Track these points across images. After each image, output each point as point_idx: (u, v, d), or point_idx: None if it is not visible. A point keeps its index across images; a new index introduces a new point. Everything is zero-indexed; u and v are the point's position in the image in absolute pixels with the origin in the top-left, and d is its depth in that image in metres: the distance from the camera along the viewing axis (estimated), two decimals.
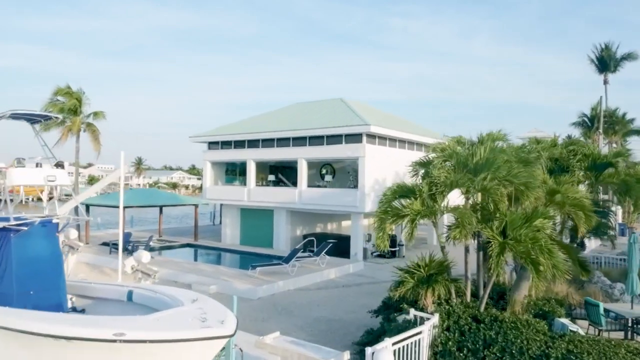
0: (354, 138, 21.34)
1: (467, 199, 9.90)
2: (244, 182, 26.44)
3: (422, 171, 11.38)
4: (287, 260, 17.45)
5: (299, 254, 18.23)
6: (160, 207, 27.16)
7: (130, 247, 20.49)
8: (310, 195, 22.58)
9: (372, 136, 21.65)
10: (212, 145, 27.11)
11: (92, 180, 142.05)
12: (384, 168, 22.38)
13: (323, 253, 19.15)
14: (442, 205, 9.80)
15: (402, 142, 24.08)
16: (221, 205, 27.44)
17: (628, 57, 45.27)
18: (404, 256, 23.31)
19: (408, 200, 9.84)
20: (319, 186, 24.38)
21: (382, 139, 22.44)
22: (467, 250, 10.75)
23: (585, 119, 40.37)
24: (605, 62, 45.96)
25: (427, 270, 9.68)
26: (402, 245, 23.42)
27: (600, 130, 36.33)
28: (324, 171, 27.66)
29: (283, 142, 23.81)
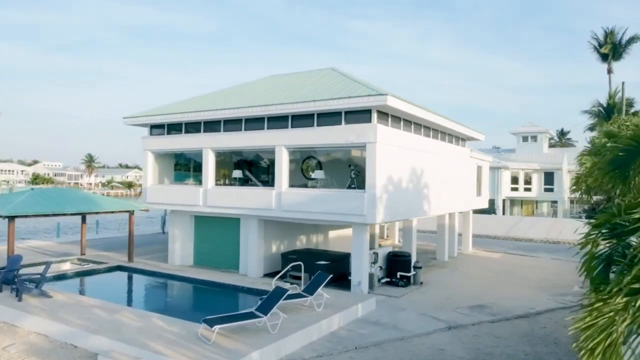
0: (360, 117, 14.71)
1: None
2: (199, 181, 19.40)
3: None
4: (264, 308, 10.56)
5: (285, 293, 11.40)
6: (83, 215, 19.69)
7: (15, 280, 13.10)
8: (294, 199, 15.79)
9: (384, 115, 15.09)
10: (156, 129, 19.87)
11: (36, 180, 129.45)
12: (399, 161, 15.87)
13: (320, 289, 12.41)
14: None
15: (418, 125, 17.65)
16: (167, 211, 20.22)
17: (636, 39, 40.78)
18: (421, 283, 16.91)
19: None
20: (306, 186, 17.63)
21: (397, 119, 15.93)
22: None
23: (601, 109, 35.25)
24: (610, 49, 41.37)
25: None
26: (420, 267, 16.97)
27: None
28: (306, 165, 20.95)
29: (254, 123, 16.92)
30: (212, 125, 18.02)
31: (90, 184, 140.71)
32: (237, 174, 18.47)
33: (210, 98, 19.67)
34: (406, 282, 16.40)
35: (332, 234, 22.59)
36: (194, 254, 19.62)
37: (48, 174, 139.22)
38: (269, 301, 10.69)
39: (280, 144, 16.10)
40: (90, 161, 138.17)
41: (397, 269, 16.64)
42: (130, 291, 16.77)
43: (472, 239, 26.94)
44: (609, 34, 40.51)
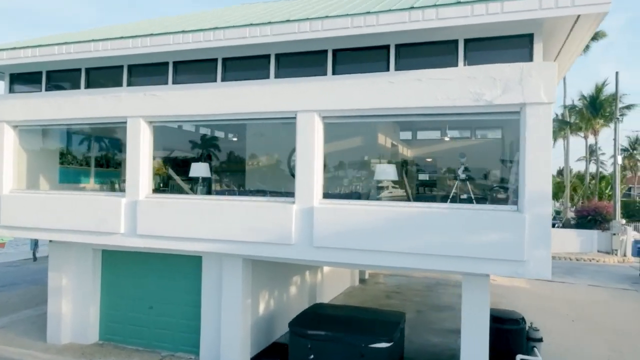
0: (499, 52, 6.98)
1: None
2: (110, 182, 10.27)
3: None
4: None
5: None
6: None
7: None
8: (347, 224, 7.47)
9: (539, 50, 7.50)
10: (21, 82, 10.20)
11: None
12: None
13: None
14: None
15: None
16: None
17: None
18: None
19: None
20: (356, 194, 9.32)
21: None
22: None
23: (585, 102, 31.00)
24: None
25: None
26: (539, 339, 9.57)
27: (618, 116, 26.98)
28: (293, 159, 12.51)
29: (246, 67, 8.33)
30: (147, 72, 8.99)
31: None
32: (199, 170, 9.49)
33: (148, 24, 10.49)
34: None
35: (333, 274, 14.50)
36: (100, 321, 10.31)
37: None
38: None
39: (309, 109, 7.70)
40: None
41: (509, 346, 9.12)
42: None
43: None
44: None
